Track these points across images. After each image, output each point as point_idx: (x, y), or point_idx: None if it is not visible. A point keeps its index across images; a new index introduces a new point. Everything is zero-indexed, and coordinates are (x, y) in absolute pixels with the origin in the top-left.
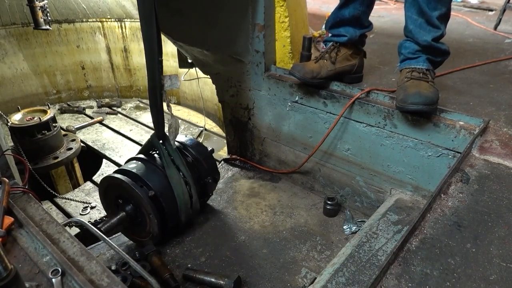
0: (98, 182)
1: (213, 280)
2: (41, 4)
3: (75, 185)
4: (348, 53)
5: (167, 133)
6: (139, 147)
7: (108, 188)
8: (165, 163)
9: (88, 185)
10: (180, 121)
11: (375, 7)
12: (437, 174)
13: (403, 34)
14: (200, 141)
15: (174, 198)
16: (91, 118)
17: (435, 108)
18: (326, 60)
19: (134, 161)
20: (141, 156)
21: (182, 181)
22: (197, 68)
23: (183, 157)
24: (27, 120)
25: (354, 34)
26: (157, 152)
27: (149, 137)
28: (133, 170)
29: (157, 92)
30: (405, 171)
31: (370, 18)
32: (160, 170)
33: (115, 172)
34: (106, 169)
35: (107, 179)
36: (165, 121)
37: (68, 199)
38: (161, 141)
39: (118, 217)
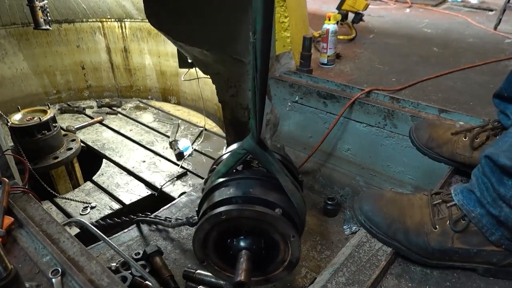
0: (99, 183)
1: (213, 280)
2: (41, 4)
3: (75, 185)
4: None
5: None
6: (139, 147)
7: (210, 233)
8: (275, 170)
9: (88, 185)
10: (180, 121)
11: (375, 7)
12: (437, 174)
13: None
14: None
15: (295, 209)
16: (91, 118)
17: None
18: (466, 138)
19: (227, 185)
20: (237, 175)
21: (294, 186)
22: (197, 68)
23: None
24: (27, 120)
25: None
26: (247, 163)
27: (237, 145)
28: (240, 194)
29: (265, 80)
30: (405, 171)
31: (370, 18)
32: (266, 183)
33: (213, 208)
34: (106, 169)
35: (211, 220)
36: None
37: (68, 199)
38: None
39: (246, 257)
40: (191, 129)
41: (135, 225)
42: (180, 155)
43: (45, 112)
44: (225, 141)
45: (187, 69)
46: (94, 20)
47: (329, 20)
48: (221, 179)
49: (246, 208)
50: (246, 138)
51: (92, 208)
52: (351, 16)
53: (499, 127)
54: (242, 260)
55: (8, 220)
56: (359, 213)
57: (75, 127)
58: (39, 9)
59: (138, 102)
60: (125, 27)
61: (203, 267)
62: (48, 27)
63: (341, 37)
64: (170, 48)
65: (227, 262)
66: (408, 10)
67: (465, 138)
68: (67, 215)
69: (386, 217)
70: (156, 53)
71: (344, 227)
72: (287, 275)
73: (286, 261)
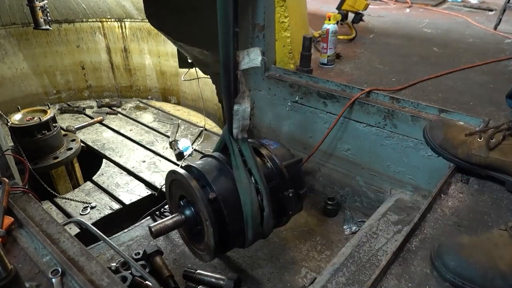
0: (99, 183)
1: (213, 280)
2: (41, 4)
3: (75, 185)
4: None
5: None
6: (139, 147)
7: (172, 185)
8: (234, 162)
9: (88, 185)
10: (180, 121)
11: (375, 7)
12: (437, 174)
13: None
14: (281, 146)
15: (239, 206)
16: (91, 118)
17: None
18: (481, 139)
19: (205, 158)
20: (214, 153)
21: (253, 187)
22: (197, 68)
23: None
24: (27, 120)
25: None
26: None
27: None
28: (197, 166)
29: (230, 73)
30: (405, 171)
31: (370, 18)
32: (227, 170)
33: (182, 167)
34: (106, 169)
35: (171, 173)
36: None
37: (68, 199)
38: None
39: (174, 219)
40: (191, 129)
41: (135, 225)
42: (180, 155)
43: (45, 112)
44: None
45: (187, 69)
46: (94, 20)
47: (329, 20)
48: (208, 153)
49: (183, 176)
50: (225, 125)
51: (92, 208)
52: (351, 16)
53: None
54: (170, 218)
55: (8, 220)
56: (446, 271)
57: (75, 127)
58: (39, 9)
59: (138, 102)
60: (125, 27)
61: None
62: (48, 27)
63: (341, 37)
64: (170, 48)
65: None
66: (408, 10)
67: (480, 139)
68: (67, 215)
69: (477, 268)
70: (156, 53)
71: (344, 227)
72: (209, 260)
73: (209, 246)
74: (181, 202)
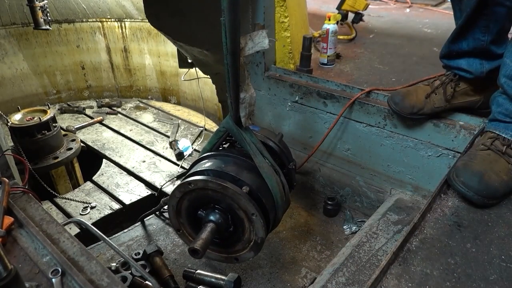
0: (99, 183)
1: (213, 280)
2: (41, 4)
3: (75, 185)
4: (469, 88)
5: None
6: (139, 147)
7: (181, 201)
8: (251, 150)
9: (88, 185)
10: (180, 121)
11: (375, 7)
12: (437, 174)
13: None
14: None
15: (269, 191)
16: (91, 118)
17: (495, 203)
18: (437, 94)
19: (206, 159)
20: (213, 152)
21: (273, 169)
22: (197, 68)
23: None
24: (27, 120)
25: (481, 69)
26: (230, 142)
27: (220, 124)
28: (212, 168)
29: (238, 60)
30: (405, 171)
31: (370, 18)
32: (243, 162)
33: (187, 177)
34: (106, 169)
35: (181, 188)
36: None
37: (68, 199)
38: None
39: (209, 229)
40: (191, 129)
41: (135, 225)
42: (180, 155)
43: (45, 112)
44: None
45: (187, 69)
46: (94, 20)
47: (329, 20)
48: (204, 155)
49: (210, 180)
50: (226, 117)
51: (92, 208)
52: (351, 16)
53: (455, 78)
54: (204, 230)
55: (8, 220)
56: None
57: (75, 127)
58: (39, 9)
59: (138, 102)
60: (125, 27)
61: (178, 236)
62: (48, 27)
63: (341, 37)
64: (170, 48)
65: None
66: (408, 10)
67: (436, 94)
68: (67, 215)
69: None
70: (156, 53)
71: (344, 227)
72: (254, 255)
73: (252, 241)
74: (201, 212)
